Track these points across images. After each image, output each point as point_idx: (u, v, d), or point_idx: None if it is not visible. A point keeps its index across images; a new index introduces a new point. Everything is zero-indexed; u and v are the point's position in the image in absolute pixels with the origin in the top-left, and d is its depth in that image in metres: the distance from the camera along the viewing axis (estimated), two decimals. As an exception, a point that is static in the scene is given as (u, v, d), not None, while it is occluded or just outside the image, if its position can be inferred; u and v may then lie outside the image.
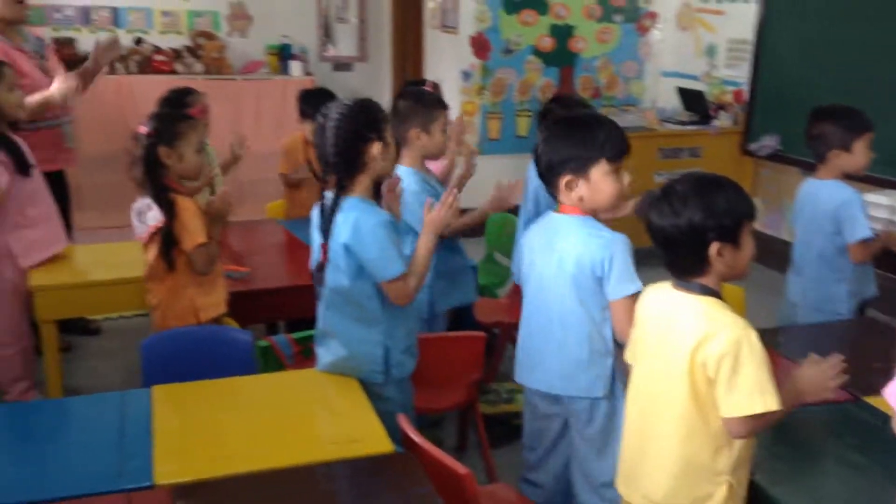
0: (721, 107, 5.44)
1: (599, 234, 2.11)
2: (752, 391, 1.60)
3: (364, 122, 2.17)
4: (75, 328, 3.88)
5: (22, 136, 3.23)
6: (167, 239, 2.59)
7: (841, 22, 4.61)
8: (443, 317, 3.00)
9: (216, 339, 2.52)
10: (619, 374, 2.17)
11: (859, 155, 2.87)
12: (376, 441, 1.88)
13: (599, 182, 2.10)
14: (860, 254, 2.87)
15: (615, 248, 2.08)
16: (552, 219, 2.21)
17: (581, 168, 2.10)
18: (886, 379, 1.44)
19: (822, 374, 1.72)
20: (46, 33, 4.81)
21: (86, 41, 5.56)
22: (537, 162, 2.18)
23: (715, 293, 1.71)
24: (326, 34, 6.49)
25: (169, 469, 1.76)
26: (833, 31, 4.66)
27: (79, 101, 3.76)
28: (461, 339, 2.67)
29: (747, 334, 1.61)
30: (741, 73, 5.39)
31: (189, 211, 2.60)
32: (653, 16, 6.03)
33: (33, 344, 3.19)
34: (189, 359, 2.43)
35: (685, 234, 1.65)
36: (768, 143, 5.12)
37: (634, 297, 2.01)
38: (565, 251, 2.13)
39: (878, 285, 3.02)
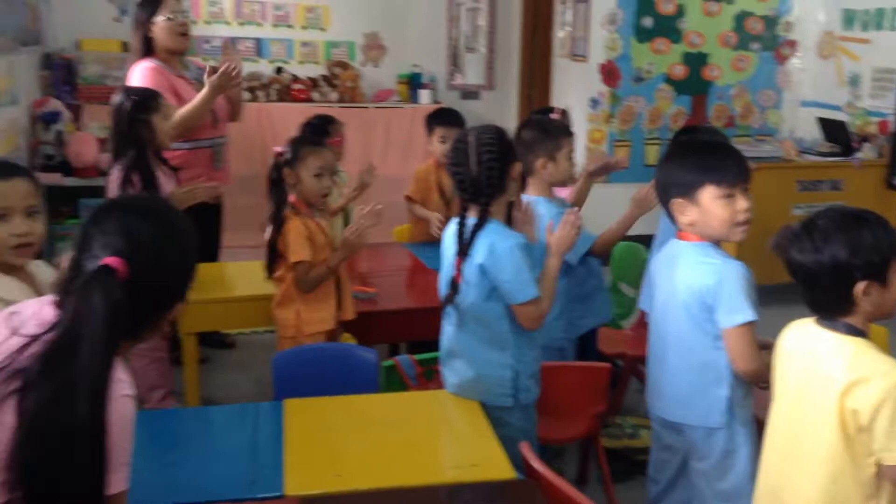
0: (865, 138, 5.16)
1: (709, 261, 2.05)
2: None
3: (508, 144, 2.24)
4: (212, 341, 4.08)
5: (177, 155, 3.45)
6: (271, 252, 2.80)
7: None
8: (575, 343, 2.97)
9: (344, 356, 2.60)
10: (741, 407, 2.09)
11: None
12: (498, 467, 1.88)
13: (709, 206, 2.05)
14: None
15: (725, 275, 2.01)
16: (673, 245, 2.19)
17: (689, 191, 2.06)
18: None
19: None
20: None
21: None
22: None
23: (862, 333, 1.62)
24: (455, 63, 6.62)
25: (298, 481, 1.81)
26: None
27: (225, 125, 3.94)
28: (585, 369, 2.64)
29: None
30: (887, 104, 5.10)
31: (294, 231, 2.77)
32: (792, 44, 5.82)
33: (170, 355, 3.38)
34: (317, 374, 2.51)
35: (828, 272, 1.58)
36: (917, 176, 4.82)
37: (749, 326, 1.97)
38: (679, 278, 2.10)
39: None
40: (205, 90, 3.60)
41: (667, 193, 2.12)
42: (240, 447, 1.98)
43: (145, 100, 3.12)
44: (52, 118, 4.89)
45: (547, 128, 2.94)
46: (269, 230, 2.83)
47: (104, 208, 1.42)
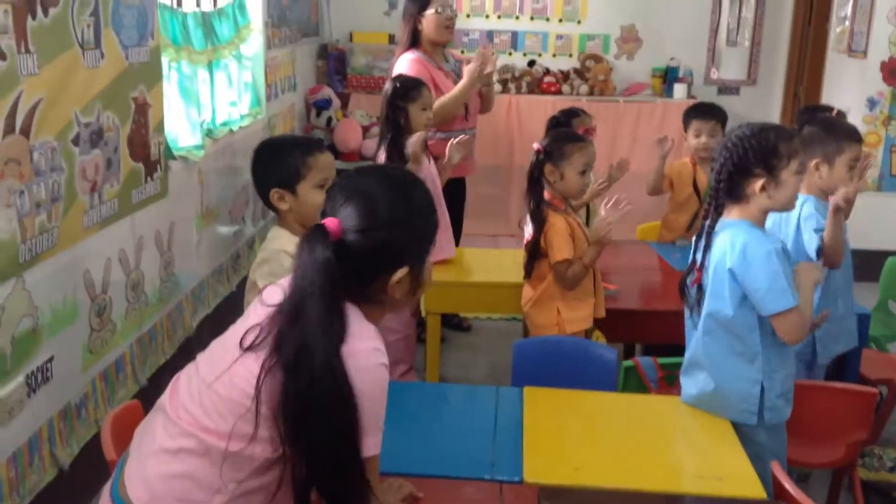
0: None
1: None
2: None
3: (755, 153, 2.04)
4: (450, 323, 4.23)
5: (432, 144, 3.61)
6: (533, 251, 2.78)
7: None
8: (824, 367, 2.74)
9: (583, 351, 2.58)
10: None
11: None
12: (747, 483, 1.78)
13: None
14: None
15: None
16: None
17: None
18: None
19: None
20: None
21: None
22: None
23: None
24: (714, 57, 6.31)
25: (537, 469, 1.83)
26: None
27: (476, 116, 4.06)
28: (847, 393, 2.41)
29: None
30: None
31: (556, 228, 2.73)
32: None
33: (415, 333, 3.55)
34: (556, 365, 2.51)
35: None
36: None
37: None
38: None
39: None
40: (463, 81, 3.75)
41: None
42: (480, 428, 2.03)
43: (406, 89, 3.31)
44: (324, 105, 5.32)
45: (832, 128, 2.70)
46: (527, 229, 2.83)
47: (347, 173, 1.51)
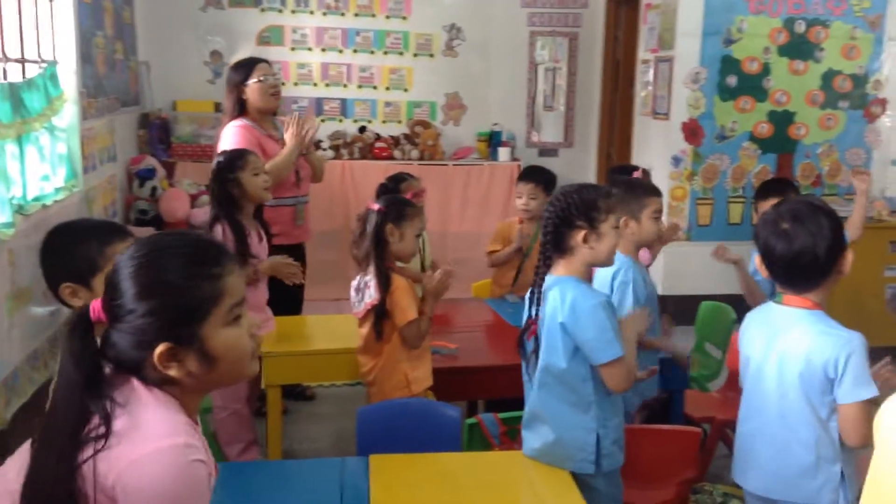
0: (964, 198, 4.96)
1: (834, 332, 1.96)
2: None
3: (576, 207, 2.19)
4: (292, 393, 4.12)
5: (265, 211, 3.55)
6: (380, 314, 2.75)
7: None
8: (628, 416, 2.88)
9: (427, 412, 2.58)
10: (851, 483, 1.98)
11: None
12: (588, 532, 1.83)
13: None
14: None
15: (852, 348, 1.92)
16: (774, 311, 2.09)
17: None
18: None
19: None
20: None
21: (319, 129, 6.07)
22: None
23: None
24: (533, 121, 6.68)
25: (385, 538, 1.80)
26: None
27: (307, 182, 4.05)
28: (675, 434, 2.56)
29: None
30: None
31: (402, 289, 2.75)
32: (882, 102, 5.66)
33: (254, 407, 3.42)
34: (401, 429, 2.50)
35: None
36: None
37: (870, 402, 1.85)
38: (791, 347, 2.00)
39: None
40: (288, 146, 3.77)
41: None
42: (327, 503, 1.98)
43: (232, 160, 3.23)
44: (147, 175, 5.12)
45: (632, 187, 2.92)
46: (368, 292, 2.81)
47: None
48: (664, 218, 3.41)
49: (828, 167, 5.69)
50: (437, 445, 2.35)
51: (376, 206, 2.83)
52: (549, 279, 2.23)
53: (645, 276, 2.92)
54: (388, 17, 6.30)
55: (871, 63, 5.62)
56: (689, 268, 5.12)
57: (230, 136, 3.74)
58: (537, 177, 3.92)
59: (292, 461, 2.66)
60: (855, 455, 2.02)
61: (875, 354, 1.95)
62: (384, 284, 2.75)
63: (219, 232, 3.11)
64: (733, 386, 3.20)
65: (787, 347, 2.01)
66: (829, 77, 5.57)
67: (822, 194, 5.55)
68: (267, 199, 3.31)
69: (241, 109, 3.84)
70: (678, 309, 3.62)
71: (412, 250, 2.89)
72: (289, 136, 3.80)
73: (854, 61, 5.59)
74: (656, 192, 2.95)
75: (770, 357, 2.05)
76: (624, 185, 2.97)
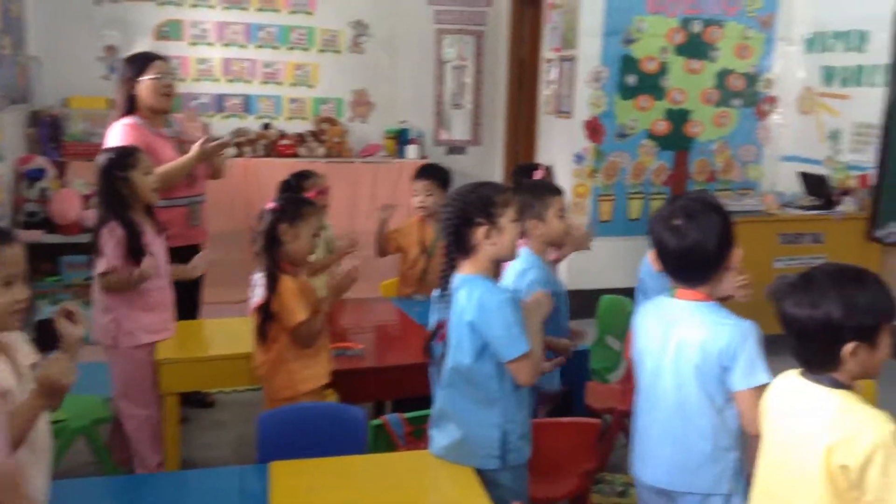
0: (845, 192, 5.23)
1: (728, 322, 2.03)
2: None
3: (473, 206, 2.19)
4: (192, 401, 3.99)
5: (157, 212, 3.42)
6: (265, 314, 2.72)
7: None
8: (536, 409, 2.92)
9: (330, 415, 2.55)
10: (743, 470, 2.06)
11: None
12: (489, 530, 1.84)
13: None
14: None
15: (745, 337, 1.99)
16: (667, 304, 2.15)
17: None
18: None
19: None
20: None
21: (219, 126, 5.93)
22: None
23: (846, 386, 1.61)
24: (441, 119, 6.70)
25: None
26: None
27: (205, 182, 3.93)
28: (576, 426, 2.60)
29: (892, 429, 1.50)
30: (867, 158, 5.18)
31: (290, 291, 2.71)
32: (772, 100, 5.93)
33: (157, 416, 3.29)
34: (303, 434, 2.46)
35: (820, 329, 1.58)
36: (897, 229, 4.87)
37: (763, 388, 1.91)
38: (687, 339, 2.05)
39: None
40: (190, 155, 3.62)
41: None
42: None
43: (122, 157, 3.08)
44: (36, 175, 4.88)
45: (534, 189, 2.98)
46: (257, 293, 2.76)
47: None
48: (580, 217, 3.45)
49: (722, 164, 5.92)
50: (342, 449, 2.32)
51: (271, 205, 2.78)
52: (456, 279, 2.23)
53: (554, 276, 2.99)
54: (292, 11, 6.20)
55: (763, 62, 5.87)
56: (591, 263, 5.23)
57: (118, 134, 3.58)
58: (431, 174, 3.93)
59: (190, 471, 2.58)
60: (745, 441, 2.09)
61: (768, 342, 2.02)
62: (271, 286, 2.71)
63: (109, 232, 2.98)
64: (633, 377, 3.29)
65: (683, 339, 2.06)
66: (723, 76, 5.79)
67: (716, 190, 5.78)
68: (155, 201, 3.17)
69: (131, 106, 3.69)
70: (580, 303, 3.70)
71: (308, 250, 2.84)
72: (196, 147, 3.65)
73: (747, 60, 5.82)
74: (558, 192, 3.00)
75: (667, 349, 2.10)
76: (526, 188, 3.03)
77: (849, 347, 1.57)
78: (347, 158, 6.17)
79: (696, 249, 2.03)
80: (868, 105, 5.14)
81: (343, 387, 2.89)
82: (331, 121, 6.29)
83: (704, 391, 2.04)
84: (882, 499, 1.51)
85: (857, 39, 5.28)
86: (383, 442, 2.63)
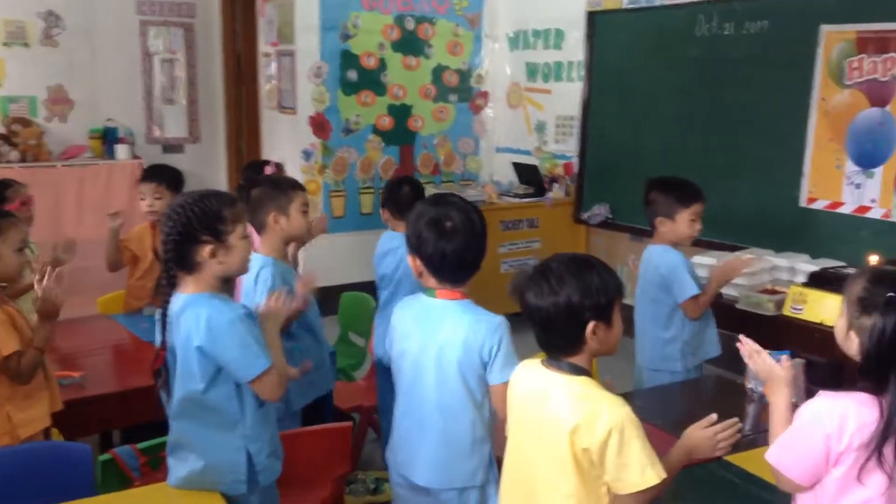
0: (554, 179, 5.69)
1: (485, 319, 2.06)
2: (644, 466, 1.61)
3: (199, 221, 1.99)
4: None
5: None
6: None
7: (661, 98, 4.97)
8: (299, 413, 2.84)
9: (48, 456, 2.25)
10: (493, 459, 2.13)
11: (682, 224, 3.00)
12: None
13: None
14: (694, 309, 3.01)
15: (502, 333, 2.05)
16: (425, 303, 2.14)
17: None
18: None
19: (713, 436, 1.78)
20: None
21: None
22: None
23: (585, 372, 1.72)
24: (153, 116, 6.25)
25: None
26: (654, 107, 5.02)
27: None
28: (325, 432, 2.53)
29: (626, 412, 1.63)
30: (570, 147, 5.67)
31: None
32: (484, 95, 6.27)
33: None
34: (20, 480, 2.16)
35: (563, 314, 1.66)
36: (598, 211, 5.39)
37: None
38: (448, 337, 2.06)
39: (723, 344, 3.13)
40: None
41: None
42: None
43: None
44: None
45: (278, 182, 2.89)
46: None
47: None
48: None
49: (443, 156, 6.17)
50: (67, 493, 2.05)
51: None
52: (178, 300, 2.03)
53: (294, 273, 2.88)
54: (-38, -1, 5.42)
55: (473, 58, 6.18)
56: (327, 260, 5.19)
57: None
58: (160, 175, 3.67)
59: None
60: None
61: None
62: None
63: None
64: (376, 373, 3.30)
65: (445, 337, 2.07)
66: (438, 72, 6.02)
67: (441, 182, 6.01)
68: None
69: None
70: (320, 300, 3.63)
71: (14, 267, 2.49)
72: None
73: (459, 57, 6.10)
74: (301, 187, 2.94)
75: (428, 349, 2.09)
76: (268, 182, 2.92)
77: (590, 327, 1.67)
78: (47, 162, 5.56)
79: (459, 252, 2.08)
80: (568, 99, 5.63)
81: (61, 421, 2.57)
82: (24, 121, 5.61)
83: (466, 387, 2.07)
84: (619, 478, 1.63)
85: (554, 38, 5.74)
86: (114, 478, 2.38)
